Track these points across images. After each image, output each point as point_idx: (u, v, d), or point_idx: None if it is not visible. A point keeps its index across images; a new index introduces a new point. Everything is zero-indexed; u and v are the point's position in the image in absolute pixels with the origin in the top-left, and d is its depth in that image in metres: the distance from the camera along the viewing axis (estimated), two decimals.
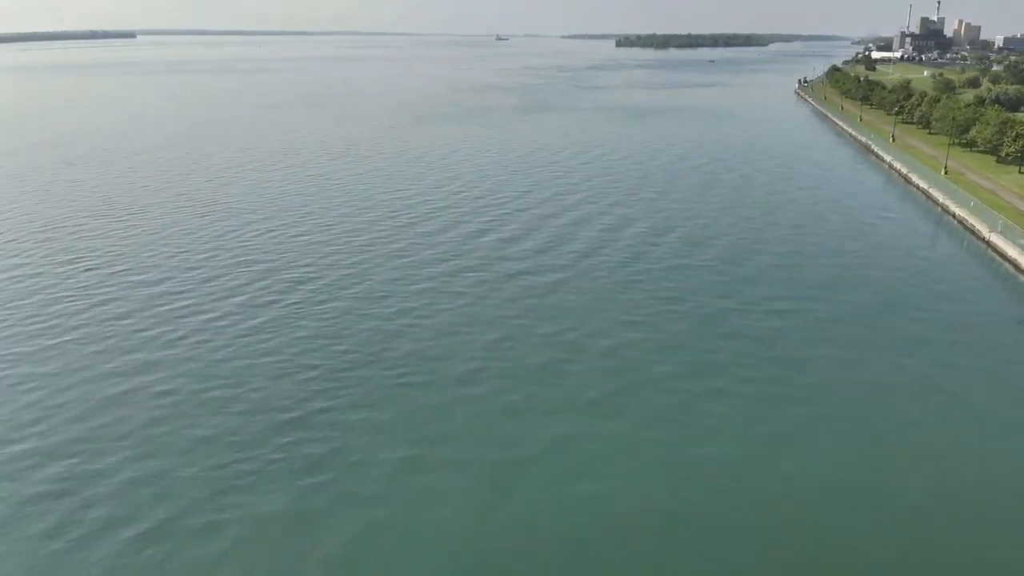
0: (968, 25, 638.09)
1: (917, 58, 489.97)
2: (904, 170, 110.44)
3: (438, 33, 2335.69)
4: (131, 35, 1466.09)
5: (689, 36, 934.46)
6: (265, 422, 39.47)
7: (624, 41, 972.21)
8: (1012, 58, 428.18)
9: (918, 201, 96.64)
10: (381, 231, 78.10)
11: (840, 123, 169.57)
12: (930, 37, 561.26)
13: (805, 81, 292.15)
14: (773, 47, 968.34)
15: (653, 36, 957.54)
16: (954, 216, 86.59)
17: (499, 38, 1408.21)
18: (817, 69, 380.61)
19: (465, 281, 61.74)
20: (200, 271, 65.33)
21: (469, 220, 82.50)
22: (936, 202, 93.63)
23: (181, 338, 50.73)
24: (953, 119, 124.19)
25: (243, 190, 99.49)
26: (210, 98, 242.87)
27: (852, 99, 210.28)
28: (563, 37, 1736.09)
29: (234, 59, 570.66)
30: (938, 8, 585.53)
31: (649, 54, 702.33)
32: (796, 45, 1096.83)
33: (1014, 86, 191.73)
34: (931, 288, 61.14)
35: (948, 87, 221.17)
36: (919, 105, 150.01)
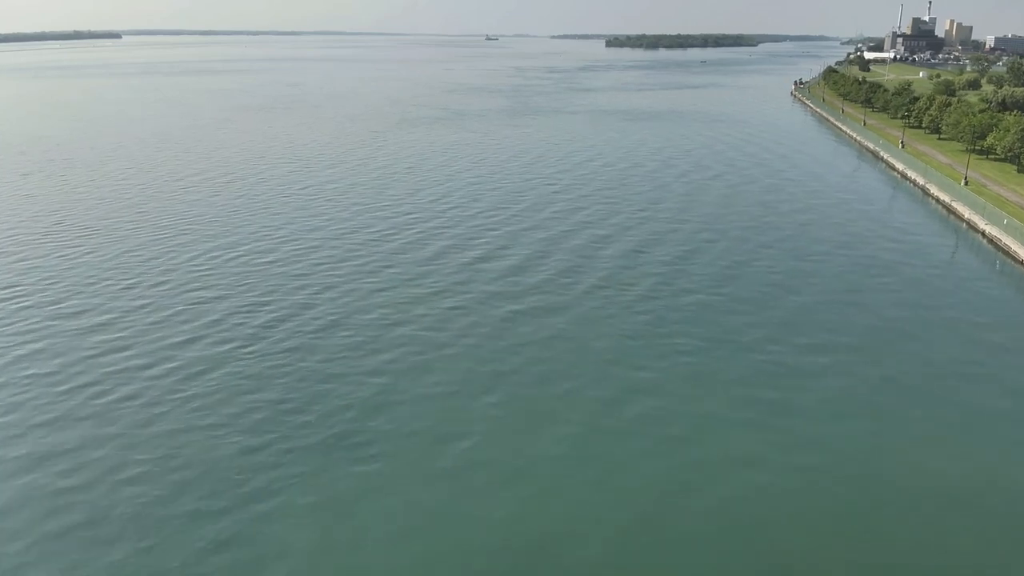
0: (960, 25, 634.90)
1: (910, 59, 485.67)
2: (920, 180, 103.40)
3: (427, 33, 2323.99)
4: (117, 35, 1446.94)
5: (679, 36, 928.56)
6: (181, 535, 31.21)
7: (614, 41, 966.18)
8: (1005, 58, 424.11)
9: (939, 216, 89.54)
10: (356, 260, 69.97)
11: (843, 127, 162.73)
12: (922, 37, 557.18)
13: (801, 82, 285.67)
14: (762, 47, 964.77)
15: (643, 36, 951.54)
16: (983, 234, 79.47)
17: (489, 38, 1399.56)
18: (810, 70, 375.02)
19: (453, 326, 53.76)
20: (147, 310, 57.09)
21: (459, 246, 74.40)
22: (961, 217, 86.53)
23: (108, 405, 42.51)
24: (969, 125, 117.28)
25: (204, 207, 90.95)
26: (185, 101, 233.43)
27: (852, 102, 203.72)
28: (553, 37, 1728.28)
29: (218, 60, 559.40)
30: (929, 8, 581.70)
31: (639, 54, 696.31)
32: (786, 45, 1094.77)
33: (1021, 88, 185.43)
34: (987, 338, 52.58)
35: (949, 89, 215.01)
36: (928, 109, 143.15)
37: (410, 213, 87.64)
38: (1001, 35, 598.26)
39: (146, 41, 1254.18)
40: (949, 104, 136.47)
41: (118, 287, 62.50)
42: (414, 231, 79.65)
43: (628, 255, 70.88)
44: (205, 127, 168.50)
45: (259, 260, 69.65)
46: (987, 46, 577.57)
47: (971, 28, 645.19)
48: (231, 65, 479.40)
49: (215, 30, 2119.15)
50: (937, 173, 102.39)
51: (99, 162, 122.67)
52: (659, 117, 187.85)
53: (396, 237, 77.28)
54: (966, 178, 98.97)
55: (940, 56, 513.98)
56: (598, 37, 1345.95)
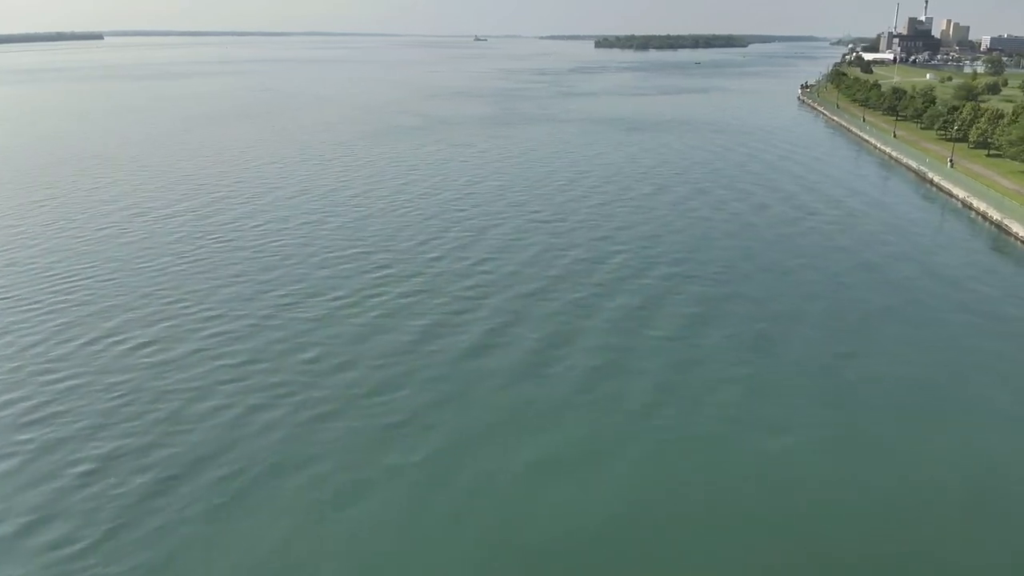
0: (957, 25, 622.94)
1: (908, 59, 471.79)
2: (994, 214, 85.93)
3: (416, 34, 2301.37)
4: (99, 36, 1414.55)
5: (669, 37, 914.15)
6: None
7: (603, 42, 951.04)
8: (1005, 59, 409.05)
9: None
10: (308, 335, 51.64)
11: (871, 140, 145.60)
12: (918, 38, 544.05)
13: (807, 86, 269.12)
14: (753, 48, 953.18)
15: (633, 37, 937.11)
16: None
17: (477, 39, 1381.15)
18: (807, 71, 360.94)
19: (420, 439, 35.80)
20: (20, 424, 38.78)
21: (433, 313, 56.20)
22: None
23: None
24: None
25: (127, 246, 72.26)
26: (141, 109, 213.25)
27: (872, 109, 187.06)
28: (542, 38, 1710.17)
29: (198, 61, 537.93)
30: (926, 8, 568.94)
31: (630, 55, 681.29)
32: (776, 46, 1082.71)
33: None
34: None
35: (971, 94, 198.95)
36: (974, 120, 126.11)
37: (376, 260, 69.19)
38: (996, 35, 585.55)
39: (129, 42, 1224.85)
40: (1002, 116, 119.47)
41: None
42: (385, 282, 61.38)
43: (639, 325, 52.78)
44: (154, 142, 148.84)
45: (175, 342, 51.20)
46: (983, 46, 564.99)
47: (968, 28, 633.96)
48: (210, 68, 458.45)
49: (201, 31, 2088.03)
50: (1009, 201, 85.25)
51: (9, 190, 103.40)
52: (665, 127, 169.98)
53: (361, 291, 58.84)
54: None
55: (939, 57, 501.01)
56: (587, 38, 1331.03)
